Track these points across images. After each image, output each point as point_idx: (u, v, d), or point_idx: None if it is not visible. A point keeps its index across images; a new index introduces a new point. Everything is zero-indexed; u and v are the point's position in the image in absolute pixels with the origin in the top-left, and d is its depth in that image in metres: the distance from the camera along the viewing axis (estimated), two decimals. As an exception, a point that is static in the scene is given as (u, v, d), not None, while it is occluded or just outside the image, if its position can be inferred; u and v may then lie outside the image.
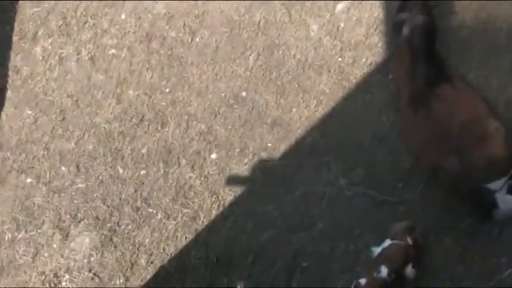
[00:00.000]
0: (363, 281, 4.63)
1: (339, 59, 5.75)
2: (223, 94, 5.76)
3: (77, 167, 5.61)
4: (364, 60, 5.70)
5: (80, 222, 5.40)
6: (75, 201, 5.48)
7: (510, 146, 4.81)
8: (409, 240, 4.75)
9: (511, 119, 5.19)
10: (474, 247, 4.88)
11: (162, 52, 6.01)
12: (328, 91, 5.63)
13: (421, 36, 5.13)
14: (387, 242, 4.77)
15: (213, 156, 5.54)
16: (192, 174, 5.47)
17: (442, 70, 5.13)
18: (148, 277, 5.16)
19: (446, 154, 4.77)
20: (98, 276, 5.19)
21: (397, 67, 5.34)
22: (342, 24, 5.89)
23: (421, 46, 5.09)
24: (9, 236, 5.39)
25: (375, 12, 5.88)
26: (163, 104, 5.79)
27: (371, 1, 5.91)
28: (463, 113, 4.86)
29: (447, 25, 5.67)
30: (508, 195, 4.74)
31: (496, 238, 4.91)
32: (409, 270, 4.76)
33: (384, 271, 4.60)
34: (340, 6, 5.95)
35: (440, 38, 5.46)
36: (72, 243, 5.34)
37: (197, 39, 6.03)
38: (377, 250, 4.82)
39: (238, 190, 5.36)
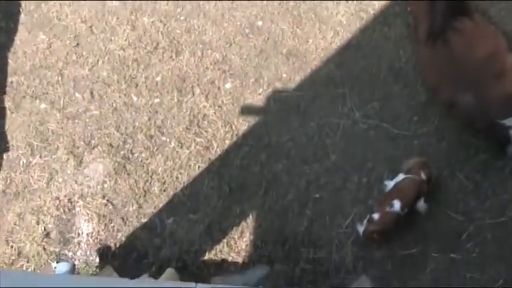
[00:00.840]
0: (376, 215, 4.67)
1: (358, -10, 5.65)
2: (238, 23, 5.69)
3: (91, 93, 5.59)
4: (383, -9, 5.61)
5: (93, 148, 5.42)
6: (89, 128, 5.49)
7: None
8: (423, 175, 4.77)
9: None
10: (487, 183, 4.90)
11: (177, -21, 5.92)
12: (345, 22, 5.55)
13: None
14: (401, 176, 4.79)
15: (228, 85, 5.51)
16: (206, 104, 5.45)
17: (462, 4, 5.03)
18: (161, 205, 5.20)
19: (462, 89, 4.73)
20: (111, 203, 5.24)
21: (416, 0, 5.24)
22: (361, -47, 5.76)
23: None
24: (24, 161, 5.42)
25: None
26: (178, 31, 5.73)
27: None
28: (481, 48, 4.79)
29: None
30: (523, 131, 4.73)
31: (509, 175, 4.91)
32: (421, 204, 4.79)
33: (397, 205, 4.63)
34: None
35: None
36: (86, 170, 5.37)
37: (214, -33, 5.92)
38: (390, 184, 4.84)
39: (252, 120, 5.35)
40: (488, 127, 4.76)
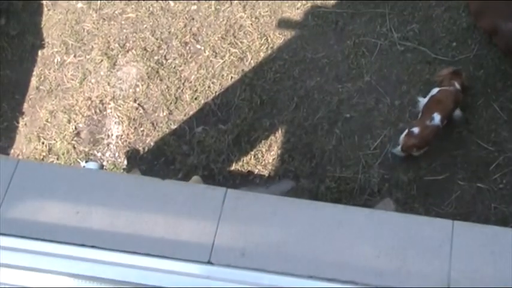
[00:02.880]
0: (415, 129, 4.64)
1: None
2: None
3: (128, -5, 5.55)
4: None
5: (128, 52, 5.41)
6: (125, 31, 5.47)
7: None
8: (457, 85, 4.72)
9: None
10: (521, 114, 4.85)
11: None
12: None
13: None
14: (435, 90, 4.74)
15: (266, -3, 5.43)
16: (243, 14, 5.39)
17: None
18: (192, 112, 5.22)
19: (506, 16, 4.62)
20: (143, 107, 5.27)
21: None
22: None
23: None
24: (59, 59, 5.44)
25: None
26: None
27: None
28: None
29: None
30: None
31: (545, 107, 4.86)
32: (457, 113, 4.77)
33: (437, 118, 4.60)
34: None
35: None
36: (119, 72, 5.38)
37: None
38: (424, 100, 4.80)
39: (288, 34, 5.29)
40: (528, 58, 4.68)
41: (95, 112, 5.27)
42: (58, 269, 2.64)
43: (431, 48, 5.09)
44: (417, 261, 2.56)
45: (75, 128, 5.23)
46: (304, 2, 5.34)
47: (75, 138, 5.21)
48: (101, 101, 5.30)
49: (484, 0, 4.79)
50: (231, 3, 5.42)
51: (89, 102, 5.29)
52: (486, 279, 2.50)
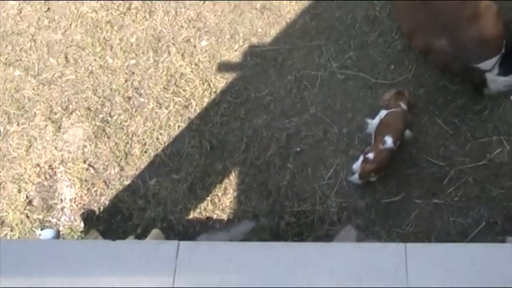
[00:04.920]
0: (370, 155, 4.67)
1: None
2: (211, -21, 5.63)
3: (66, 57, 5.53)
4: None
5: (71, 113, 5.38)
6: (66, 93, 5.44)
7: (501, 25, 4.75)
8: (403, 105, 4.78)
9: (505, -4, 5.14)
10: (465, 127, 4.91)
11: None
12: (318, -27, 5.50)
13: None
14: (383, 112, 4.80)
15: (203, 43, 5.46)
16: (182, 62, 5.41)
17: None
18: (143, 166, 5.18)
19: (437, 34, 4.71)
20: (93, 167, 5.22)
21: None
22: None
23: None
24: (1, 129, 5.37)
25: None
26: (151, -9, 5.66)
27: None
28: (455, -9, 4.77)
29: None
30: (498, 76, 4.72)
31: (487, 118, 4.93)
32: (407, 133, 4.83)
33: (389, 140, 4.64)
34: None
35: None
36: (65, 135, 5.33)
37: None
38: (373, 122, 4.85)
39: (229, 77, 5.32)
40: (464, 71, 4.76)
41: (45, 178, 5.20)
42: None
43: (371, 73, 5.16)
44: (375, 288, 2.56)
45: (27, 197, 5.14)
46: (241, 43, 5.40)
47: (28, 207, 5.12)
48: (50, 166, 5.23)
49: (414, 20, 4.87)
50: (169, 53, 5.45)
51: (38, 168, 5.22)
52: (444, 297, 2.52)
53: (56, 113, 5.38)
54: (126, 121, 5.30)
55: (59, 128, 5.34)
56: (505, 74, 4.72)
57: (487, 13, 4.72)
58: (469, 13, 4.67)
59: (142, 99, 5.36)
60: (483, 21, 4.70)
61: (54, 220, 5.10)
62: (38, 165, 5.24)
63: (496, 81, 4.74)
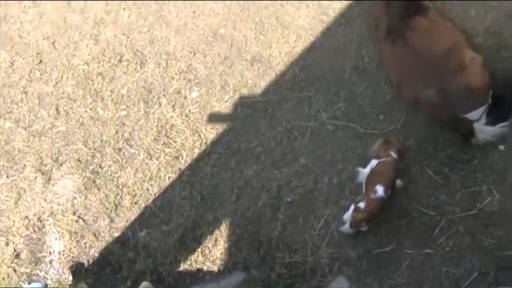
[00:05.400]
0: (361, 204, 4.67)
1: (317, -7, 5.71)
2: (201, 32, 5.70)
3: (57, 109, 5.56)
4: (342, -7, 5.67)
5: (61, 165, 5.37)
6: (56, 145, 5.44)
7: (487, 76, 4.82)
8: (393, 154, 4.81)
9: (490, 48, 5.21)
10: (455, 176, 4.92)
11: (138, -10, 5.93)
12: (307, 26, 5.59)
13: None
14: (374, 162, 4.81)
15: (194, 94, 5.50)
16: (173, 114, 5.44)
17: (417, 2, 5.09)
18: (133, 218, 5.16)
19: (425, 85, 4.77)
20: (82, 219, 5.18)
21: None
22: (321, -43, 5.83)
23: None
24: (-9, 181, 5.37)
25: None
26: (142, 43, 5.72)
27: None
28: (440, 43, 4.84)
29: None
30: (486, 126, 4.76)
31: (476, 167, 4.94)
32: (398, 182, 4.83)
33: (380, 189, 4.64)
34: None
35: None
36: (54, 187, 5.31)
37: (173, -23, 5.95)
38: (364, 171, 4.86)
39: (220, 127, 5.35)
40: (452, 121, 4.80)
41: (34, 231, 5.15)
42: None
43: (360, 124, 5.20)
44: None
45: (14, 250, 5.09)
46: (231, 94, 5.44)
47: (15, 261, 5.06)
48: (38, 218, 5.19)
49: (402, 71, 4.93)
50: (160, 105, 5.48)
51: (27, 221, 5.18)
52: None
53: (46, 165, 5.37)
54: (116, 172, 5.29)
55: (49, 179, 5.32)
56: (493, 124, 4.76)
57: (473, 64, 4.79)
58: (455, 64, 4.74)
59: (133, 151, 5.36)
60: (469, 72, 4.76)
61: (42, 273, 5.03)
62: (26, 217, 5.20)
63: (483, 131, 4.78)
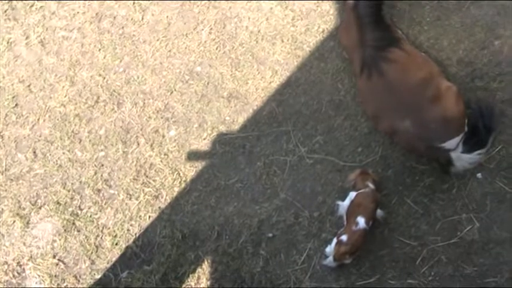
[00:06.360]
0: (344, 237, 4.67)
1: (292, 28, 5.76)
2: (178, 70, 5.72)
3: (34, 152, 5.52)
4: (316, 28, 5.72)
5: (40, 208, 5.32)
6: (34, 188, 5.40)
7: (462, 105, 4.88)
8: (370, 185, 4.83)
9: (464, 77, 5.29)
10: (435, 206, 4.96)
11: (113, 31, 5.95)
12: (282, 61, 5.63)
13: (366, 4, 5.16)
14: (353, 194, 4.83)
15: (172, 133, 5.50)
16: (151, 153, 5.43)
17: (390, 34, 5.16)
18: (114, 259, 5.11)
19: (401, 116, 4.80)
20: (63, 262, 5.13)
21: (346, 34, 5.36)
22: (293, -7, 5.91)
23: (367, 13, 5.11)
24: (-31, 227, 5.30)
25: (324, -21, 5.91)
26: (118, 83, 5.72)
27: (320, -31, 5.94)
28: (415, 74, 4.89)
29: (396, -12, 5.74)
30: (463, 153, 4.80)
31: (455, 196, 4.98)
32: (379, 212, 4.86)
33: (362, 221, 4.65)
34: (289, -25, 5.96)
35: (390, 1, 5.51)
36: (33, 230, 5.26)
37: (148, 17, 5.98)
38: (343, 204, 4.87)
39: (199, 165, 5.34)
40: (429, 151, 4.83)
41: (13, 276, 5.08)
42: None
43: (339, 156, 5.23)
44: None
45: (-6, 296, 5.03)
46: (209, 131, 5.45)
47: (-5, 307, 4.99)
48: (18, 263, 5.13)
49: (378, 103, 4.97)
50: (138, 144, 5.47)
51: (6, 266, 5.12)
52: None
53: (24, 209, 5.32)
54: (96, 213, 5.26)
55: (27, 223, 5.27)
56: (470, 152, 4.80)
57: (448, 94, 4.84)
58: (430, 94, 4.78)
59: (112, 191, 5.33)
60: (445, 101, 4.81)
61: (22, 319, 4.97)
62: (5, 262, 5.14)
63: (461, 159, 4.82)
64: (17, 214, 5.29)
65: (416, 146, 4.85)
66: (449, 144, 4.75)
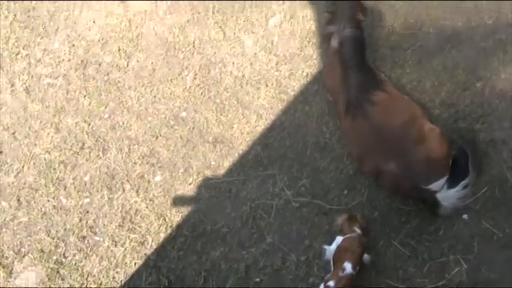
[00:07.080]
0: (331, 282, 4.62)
1: (276, 73, 5.81)
2: (163, 115, 5.74)
3: (18, 200, 5.47)
4: (300, 72, 5.78)
5: (24, 257, 5.25)
6: (18, 236, 5.34)
7: (446, 146, 4.91)
8: (357, 229, 4.81)
9: (447, 119, 5.33)
10: (422, 247, 4.94)
11: (98, 78, 5.97)
12: (267, 105, 5.66)
13: (349, 48, 5.24)
14: (339, 239, 4.81)
15: (157, 178, 5.48)
16: (137, 199, 5.40)
17: (373, 77, 5.22)
18: (100, 307, 5.06)
19: (385, 158, 4.82)
20: (47, 311, 5.06)
21: (330, 77, 5.41)
22: (276, 39, 5.97)
23: (351, 57, 5.19)
24: (-50, 278, 5.21)
25: (307, 24, 5.98)
26: (103, 129, 5.72)
27: (303, 14, 6.02)
28: (398, 116, 4.93)
29: (378, 33, 5.81)
30: (448, 189, 4.80)
31: (442, 237, 4.98)
32: (365, 257, 4.82)
33: (349, 266, 4.62)
34: (272, 21, 6.03)
35: (372, 45, 5.60)
36: (16, 280, 5.18)
37: (133, 63, 6.01)
38: (330, 248, 4.84)
39: (185, 210, 5.31)
40: (415, 193, 4.84)
41: (-3, 326, 5.00)
42: None
43: (325, 199, 5.22)
44: None
45: None
46: (195, 176, 5.44)
47: None
48: (1, 313, 5.05)
49: (363, 146, 4.99)
50: (124, 190, 5.44)
51: (-11, 317, 5.04)
52: None
53: (7, 258, 5.25)
54: (81, 261, 5.20)
55: (10, 273, 5.19)
56: (454, 185, 4.79)
57: (432, 135, 4.89)
58: (414, 136, 4.82)
59: (97, 238, 5.28)
60: (429, 143, 4.85)
61: None
62: (-12, 313, 5.06)
63: (447, 196, 4.80)
64: (0, 263, 5.22)
65: (401, 187, 4.86)
66: (435, 186, 4.77)
